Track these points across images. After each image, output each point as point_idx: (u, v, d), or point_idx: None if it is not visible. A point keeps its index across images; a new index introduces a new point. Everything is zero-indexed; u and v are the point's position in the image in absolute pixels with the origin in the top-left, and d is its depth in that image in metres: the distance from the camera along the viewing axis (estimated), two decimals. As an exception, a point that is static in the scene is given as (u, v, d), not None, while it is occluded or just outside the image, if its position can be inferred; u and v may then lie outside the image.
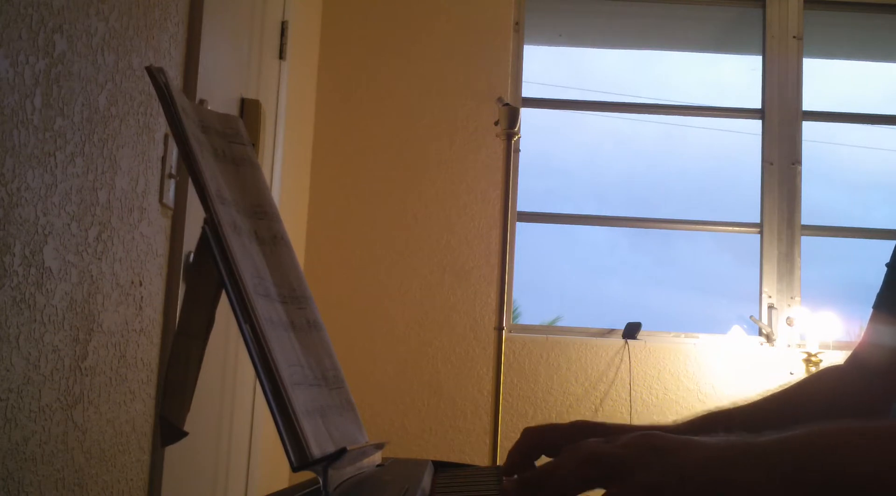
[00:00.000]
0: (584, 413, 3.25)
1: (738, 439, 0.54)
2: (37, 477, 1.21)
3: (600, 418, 3.21)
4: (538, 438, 0.86)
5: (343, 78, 3.40)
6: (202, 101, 1.75)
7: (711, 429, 0.87)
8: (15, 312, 1.13)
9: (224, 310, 0.70)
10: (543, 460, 0.86)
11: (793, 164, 3.52)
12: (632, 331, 3.32)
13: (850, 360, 0.96)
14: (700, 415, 0.92)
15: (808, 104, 3.57)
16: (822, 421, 0.59)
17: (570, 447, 0.58)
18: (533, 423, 2.93)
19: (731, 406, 0.93)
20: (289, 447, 0.62)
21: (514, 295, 3.53)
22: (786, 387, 0.96)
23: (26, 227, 1.15)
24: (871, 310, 0.97)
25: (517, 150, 3.42)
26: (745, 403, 0.93)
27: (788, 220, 3.49)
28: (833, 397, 0.93)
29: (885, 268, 0.97)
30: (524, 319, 4.01)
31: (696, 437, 0.55)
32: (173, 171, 1.64)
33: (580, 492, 0.55)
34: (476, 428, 3.22)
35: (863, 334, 0.97)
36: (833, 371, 0.98)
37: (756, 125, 3.59)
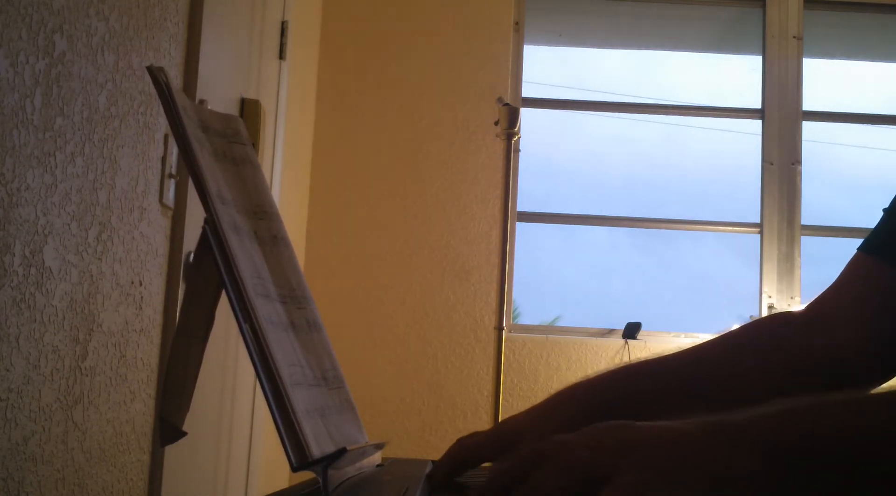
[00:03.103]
0: (584, 413, 3.25)
1: (715, 420, 0.51)
2: (37, 477, 1.21)
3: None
4: (467, 452, 0.84)
5: (343, 78, 3.40)
6: (202, 101, 1.75)
7: (627, 387, 0.85)
8: (15, 312, 1.13)
9: (224, 310, 0.70)
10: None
11: (793, 164, 3.52)
12: (632, 331, 3.32)
13: (811, 308, 0.88)
14: (614, 369, 0.86)
15: (808, 104, 3.57)
16: (771, 381, 0.56)
17: (528, 451, 0.53)
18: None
19: (649, 359, 0.87)
20: (289, 447, 0.62)
21: (514, 295, 3.53)
22: (712, 339, 0.88)
23: (26, 227, 1.15)
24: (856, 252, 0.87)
25: (517, 150, 3.42)
26: (665, 356, 0.86)
27: (788, 220, 3.49)
28: (772, 348, 0.85)
29: (882, 213, 0.89)
30: (524, 319, 4.01)
31: (668, 425, 0.52)
32: (173, 171, 1.64)
33: None
34: (476, 428, 3.20)
35: (840, 277, 0.87)
36: (779, 319, 0.90)
37: (756, 125, 3.59)
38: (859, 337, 0.82)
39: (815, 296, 0.88)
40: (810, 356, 0.84)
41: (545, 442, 0.54)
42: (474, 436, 0.87)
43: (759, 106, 3.59)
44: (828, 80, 3.87)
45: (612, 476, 0.49)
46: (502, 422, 0.88)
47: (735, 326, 0.93)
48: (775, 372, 0.84)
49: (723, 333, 0.89)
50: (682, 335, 3.41)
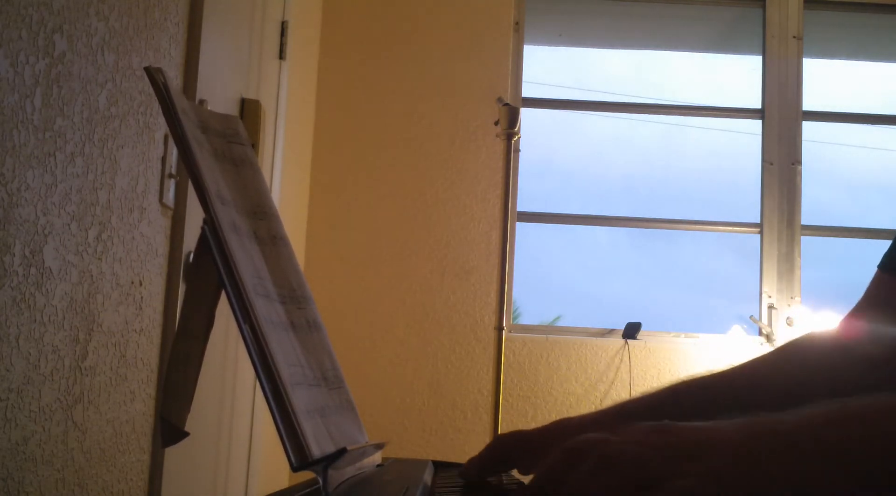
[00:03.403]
0: (584, 413, 3.24)
1: (760, 422, 0.51)
2: (37, 477, 1.21)
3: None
4: (508, 449, 0.84)
5: (343, 78, 3.40)
6: (202, 101, 1.75)
7: (680, 402, 0.85)
8: (15, 312, 1.13)
9: (224, 310, 0.70)
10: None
11: (793, 164, 3.52)
12: (632, 331, 3.32)
13: (839, 328, 0.90)
14: (666, 386, 0.87)
15: (808, 104, 3.57)
16: (808, 394, 0.57)
17: (571, 444, 0.53)
18: (533, 423, 2.96)
19: (699, 376, 0.88)
20: (289, 447, 0.62)
21: (514, 295, 3.53)
22: (758, 357, 0.90)
23: (26, 227, 1.15)
24: (876, 270, 0.89)
25: (517, 150, 3.42)
26: (715, 373, 0.88)
27: (788, 220, 3.49)
28: (811, 369, 0.87)
29: None
30: (524, 319, 4.01)
31: (713, 427, 0.52)
32: (173, 171, 1.64)
33: None
34: (476, 428, 3.22)
35: (863, 295, 0.89)
36: (810, 340, 0.91)
37: (756, 125, 3.59)
38: (884, 353, 0.83)
39: (845, 315, 0.91)
40: (836, 375, 0.85)
41: (586, 436, 0.53)
42: (517, 432, 0.86)
43: (759, 106, 3.59)
44: (828, 80, 3.87)
45: (657, 479, 0.49)
46: (554, 421, 0.88)
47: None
48: (811, 395, 0.85)
49: (759, 356, 0.91)
50: (682, 335, 3.40)
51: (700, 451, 0.50)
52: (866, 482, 0.47)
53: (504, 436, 0.86)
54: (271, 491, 0.75)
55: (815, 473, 0.48)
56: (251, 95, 2.15)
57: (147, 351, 1.59)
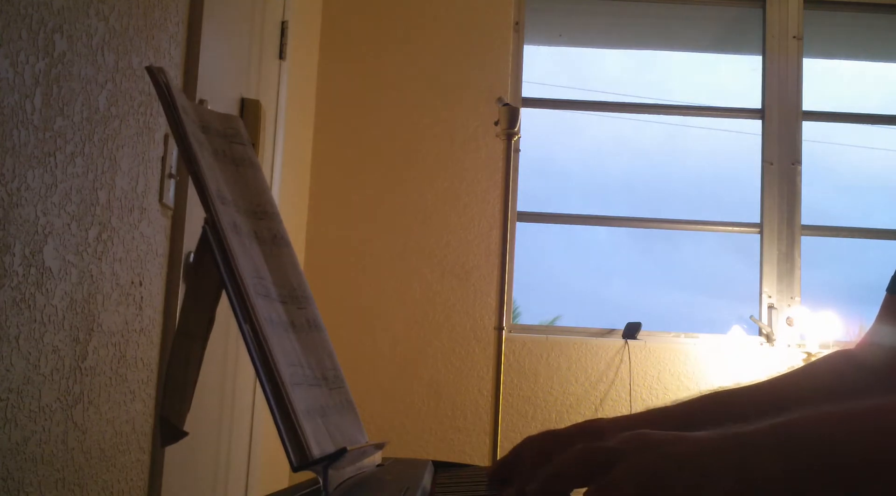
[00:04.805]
0: (585, 413, 3.25)
1: (729, 430, 0.54)
2: (37, 477, 1.21)
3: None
4: (535, 448, 0.85)
5: (343, 78, 3.40)
6: (202, 101, 1.75)
7: (710, 410, 0.87)
8: (15, 312, 1.13)
9: (224, 310, 0.70)
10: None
11: (793, 164, 3.52)
12: (632, 331, 3.32)
13: (862, 344, 0.93)
14: (698, 396, 0.91)
15: (808, 104, 3.57)
16: (819, 405, 0.59)
17: (569, 448, 0.58)
18: (533, 423, 2.95)
19: (731, 388, 0.92)
20: (289, 447, 0.62)
21: (514, 295, 3.53)
22: (791, 371, 0.94)
23: (26, 227, 1.15)
24: (885, 294, 0.92)
25: (517, 150, 3.42)
26: (746, 386, 0.92)
27: (788, 220, 3.49)
28: (836, 382, 0.90)
29: None
30: (524, 319, 4.01)
31: (688, 434, 0.55)
32: (173, 171, 1.64)
33: (577, 487, 0.55)
34: (476, 428, 3.22)
35: (876, 318, 0.92)
36: (840, 356, 0.95)
37: (756, 125, 3.59)
38: (880, 362, 0.85)
39: (863, 335, 0.94)
40: (860, 393, 0.86)
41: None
42: (547, 432, 0.88)
43: (759, 106, 3.59)
44: (828, 80, 3.87)
45: (629, 458, 0.53)
46: (585, 420, 0.90)
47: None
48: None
49: (791, 370, 0.95)
50: (682, 335, 3.40)
51: (666, 441, 0.54)
52: (826, 484, 0.49)
53: (534, 436, 0.87)
54: (271, 491, 0.75)
55: (777, 473, 0.49)
56: (251, 95, 2.15)
57: (147, 351, 1.59)
